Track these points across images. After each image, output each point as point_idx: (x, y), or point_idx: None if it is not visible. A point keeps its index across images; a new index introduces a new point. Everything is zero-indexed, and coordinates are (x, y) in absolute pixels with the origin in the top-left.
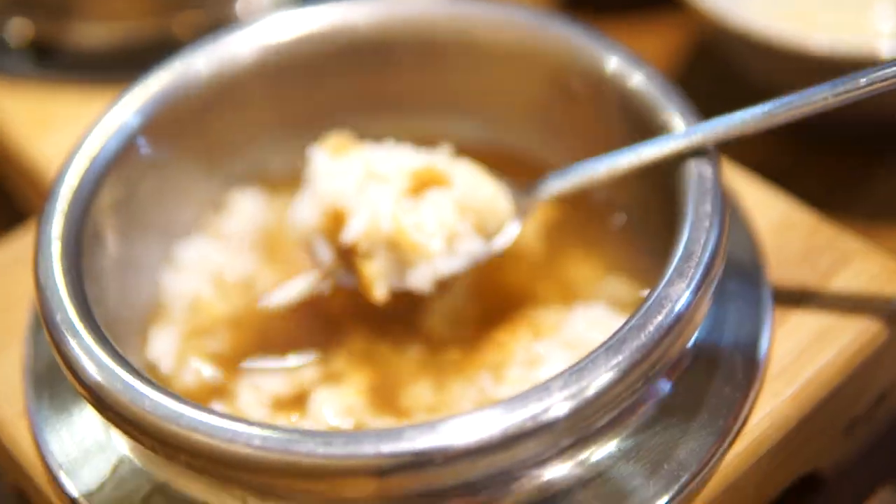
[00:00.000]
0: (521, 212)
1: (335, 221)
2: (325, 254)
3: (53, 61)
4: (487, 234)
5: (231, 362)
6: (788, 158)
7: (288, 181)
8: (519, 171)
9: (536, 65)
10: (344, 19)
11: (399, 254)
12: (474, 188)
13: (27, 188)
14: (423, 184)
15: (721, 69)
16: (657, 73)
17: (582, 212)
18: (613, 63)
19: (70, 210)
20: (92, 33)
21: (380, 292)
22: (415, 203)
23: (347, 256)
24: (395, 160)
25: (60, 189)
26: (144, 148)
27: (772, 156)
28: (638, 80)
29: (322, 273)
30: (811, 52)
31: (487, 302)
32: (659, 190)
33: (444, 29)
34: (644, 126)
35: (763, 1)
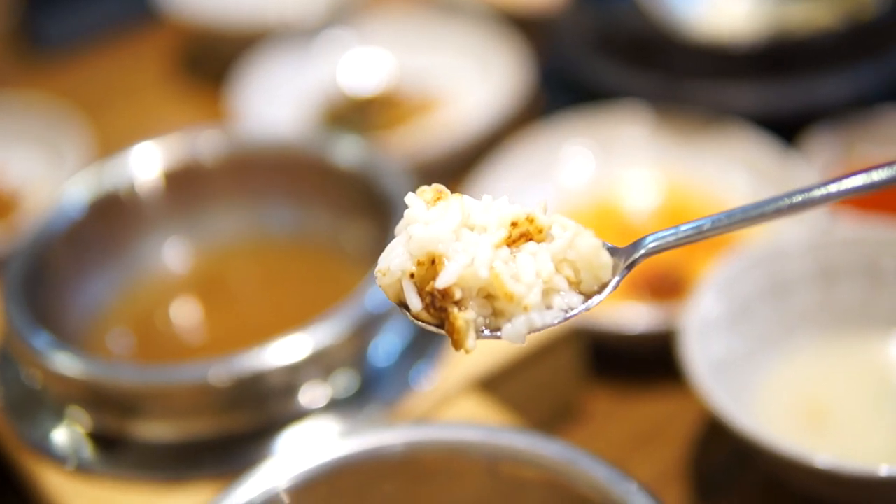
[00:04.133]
0: (620, 269)
1: (429, 269)
2: (416, 301)
3: (114, 456)
4: (585, 289)
5: None
6: None
7: None
8: None
9: (561, 497)
10: (379, 443)
11: (494, 304)
12: (574, 241)
13: None
14: (521, 234)
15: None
16: None
17: None
18: None
19: None
20: (153, 430)
21: (471, 343)
22: (512, 253)
23: (439, 305)
24: (493, 209)
25: None
26: None
27: None
28: None
29: (411, 320)
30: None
31: None
32: None
33: (474, 454)
34: None
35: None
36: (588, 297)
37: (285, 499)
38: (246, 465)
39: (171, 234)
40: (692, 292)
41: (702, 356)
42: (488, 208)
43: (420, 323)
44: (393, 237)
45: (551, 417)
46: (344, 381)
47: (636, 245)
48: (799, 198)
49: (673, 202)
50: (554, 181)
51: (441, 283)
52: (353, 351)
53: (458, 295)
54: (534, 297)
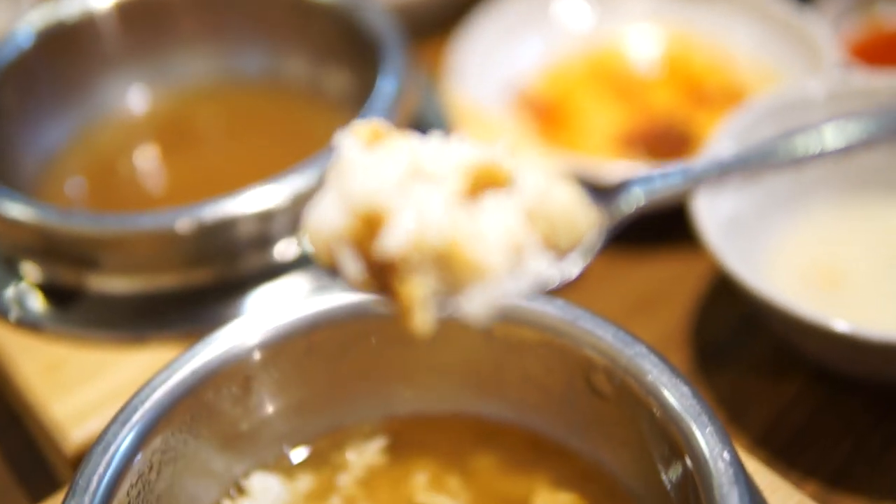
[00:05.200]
0: (604, 223)
1: (368, 227)
2: (354, 267)
3: (68, 311)
4: (559, 248)
5: None
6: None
7: (309, 468)
8: (541, 456)
9: (562, 358)
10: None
11: (449, 272)
12: (545, 190)
13: (46, 444)
14: (481, 184)
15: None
16: (687, 388)
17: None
18: (642, 369)
19: None
20: (112, 284)
21: (423, 320)
22: (471, 208)
23: (382, 272)
24: (447, 153)
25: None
26: (162, 441)
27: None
28: (669, 394)
29: (350, 290)
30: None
31: None
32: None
33: None
34: (672, 439)
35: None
36: (563, 254)
37: (258, 354)
38: (214, 324)
39: (133, 74)
40: (700, 149)
41: (711, 214)
42: (441, 152)
43: (360, 291)
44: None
45: None
46: None
47: (622, 193)
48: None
49: (676, 55)
50: (548, 33)
51: (385, 247)
52: None
53: (405, 261)
54: (497, 261)
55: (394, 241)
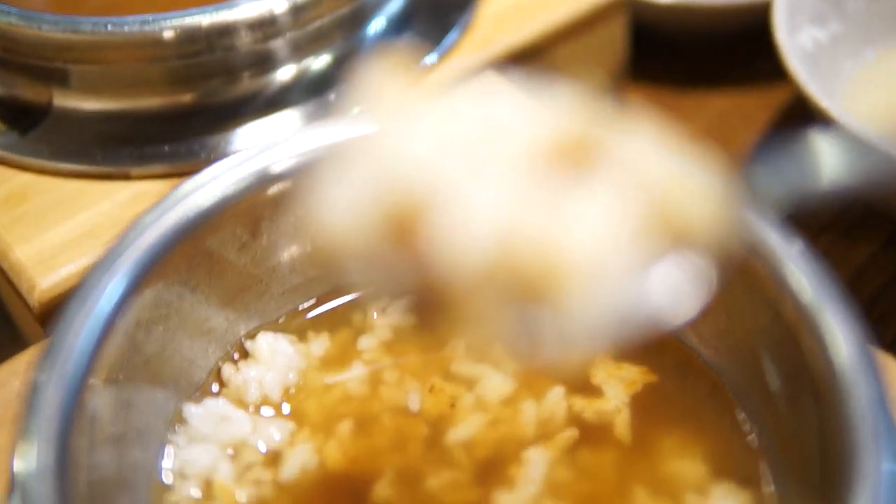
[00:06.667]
0: (728, 212)
1: (408, 220)
2: (395, 269)
3: (32, 135)
4: (674, 243)
5: None
6: None
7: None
8: None
9: None
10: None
11: (518, 278)
12: (650, 168)
13: (7, 294)
14: (568, 160)
15: None
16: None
17: (684, 384)
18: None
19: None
20: (81, 104)
21: (496, 350)
22: (549, 193)
23: (429, 290)
24: (511, 118)
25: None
26: (153, 294)
27: None
28: (779, 252)
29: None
30: None
31: (568, 502)
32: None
33: None
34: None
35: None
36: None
37: (275, 188)
38: (203, 158)
39: None
40: None
41: (792, 43)
42: (516, 115)
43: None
44: None
45: None
46: (325, 59)
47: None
48: None
49: None
50: None
51: (433, 244)
52: (341, 16)
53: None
54: (587, 262)
55: (454, 243)
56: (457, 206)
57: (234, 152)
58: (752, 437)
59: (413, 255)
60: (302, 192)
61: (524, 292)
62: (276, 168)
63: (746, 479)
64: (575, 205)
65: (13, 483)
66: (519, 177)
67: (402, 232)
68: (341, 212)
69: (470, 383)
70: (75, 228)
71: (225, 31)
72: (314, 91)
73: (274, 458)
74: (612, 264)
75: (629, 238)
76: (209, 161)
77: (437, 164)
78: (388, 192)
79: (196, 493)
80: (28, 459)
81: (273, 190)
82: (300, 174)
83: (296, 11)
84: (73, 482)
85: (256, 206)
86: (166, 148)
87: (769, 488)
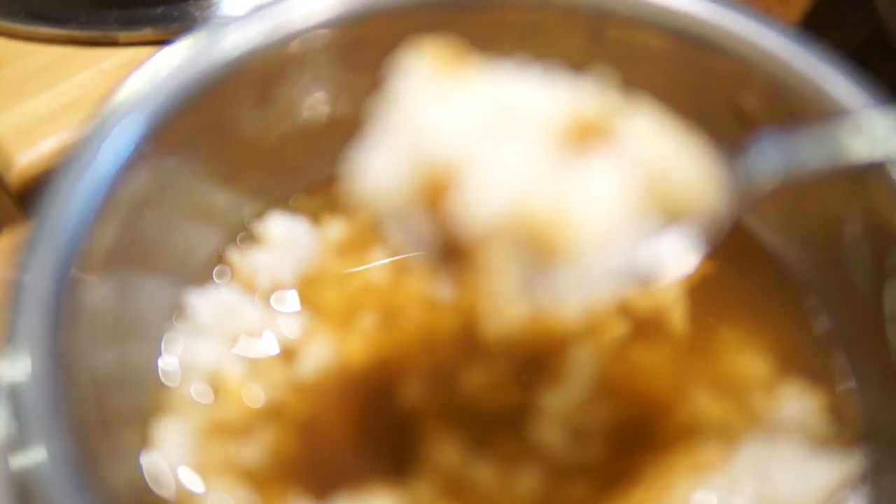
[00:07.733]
0: (733, 191)
1: (438, 188)
2: (422, 235)
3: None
4: (676, 220)
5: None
6: None
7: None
8: None
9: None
10: None
11: (541, 246)
12: (657, 146)
13: None
14: (580, 137)
15: None
16: None
17: (745, 272)
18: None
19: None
20: None
21: (509, 298)
22: (569, 166)
23: (455, 245)
24: (538, 98)
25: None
26: (150, 168)
27: None
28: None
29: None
30: None
31: (620, 403)
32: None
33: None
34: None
35: None
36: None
37: (293, 45)
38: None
39: None
40: None
41: None
42: (530, 94)
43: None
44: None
45: None
46: None
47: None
48: None
49: None
50: None
51: (466, 213)
52: None
53: (486, 231)
54: (604, 235)
55: (470, 205)
56: (482, 172)
57: (232, 14)
58: (823, 328)
59: (441, 216)
60: (326, 48)
61: (540, 250)
62: (297, 22)
63: (818, 376)
64: (587, 173)
65: None
66: (538, 148)
67: (433, 194)
68: (377, 177)
69: None
70: (56, 99)
71: None
72: None
73: (288, 356)
74: (620, 226)
75: (635, 203)
76: (205, 24)
77: (467, 133)
78: (419, 158)
79: (202, 390)
80: (17, 366)
81: (292, 47)
82: (327, 27)
83: None
84: (71, 387)
85: (270, 66)
86: (159, 10)
87: (847, 384)
